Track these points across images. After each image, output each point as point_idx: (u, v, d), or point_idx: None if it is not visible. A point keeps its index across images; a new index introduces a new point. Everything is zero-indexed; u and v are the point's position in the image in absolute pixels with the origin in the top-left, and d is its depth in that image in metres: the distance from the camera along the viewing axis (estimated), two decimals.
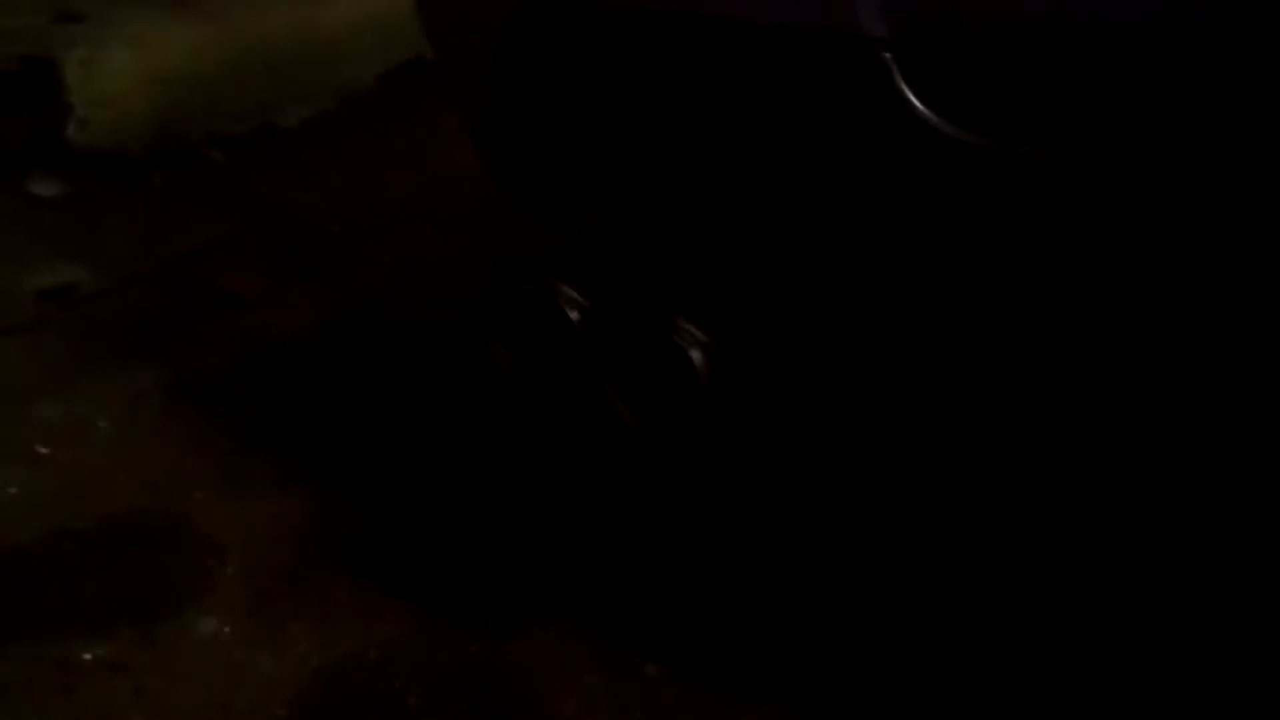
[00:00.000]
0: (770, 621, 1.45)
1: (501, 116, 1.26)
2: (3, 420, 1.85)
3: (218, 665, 1.40)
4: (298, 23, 3.41)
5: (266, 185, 2.83)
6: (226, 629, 1.45)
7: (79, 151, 2.77)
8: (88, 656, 1.40)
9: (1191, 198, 0.84)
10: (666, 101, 1.12)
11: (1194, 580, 1.10)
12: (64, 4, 3.08)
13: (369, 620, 1.46)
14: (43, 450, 1.78)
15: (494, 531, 1.62)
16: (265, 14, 3.36)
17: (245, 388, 1.95)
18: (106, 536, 1.61)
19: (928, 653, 1.39)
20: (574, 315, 1.19)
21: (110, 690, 1.36)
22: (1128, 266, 0.89)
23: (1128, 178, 0.85)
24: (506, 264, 1.86)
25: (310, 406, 1.90)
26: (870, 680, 1.37)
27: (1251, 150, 0.82)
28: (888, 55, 0.92)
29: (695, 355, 1.13)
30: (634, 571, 1.54)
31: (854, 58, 0.95)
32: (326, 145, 3.15)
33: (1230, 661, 1.15)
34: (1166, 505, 1.00)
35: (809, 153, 1.02)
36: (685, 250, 1.15)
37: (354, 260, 2.40)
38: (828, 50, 0.98)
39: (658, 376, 1.16)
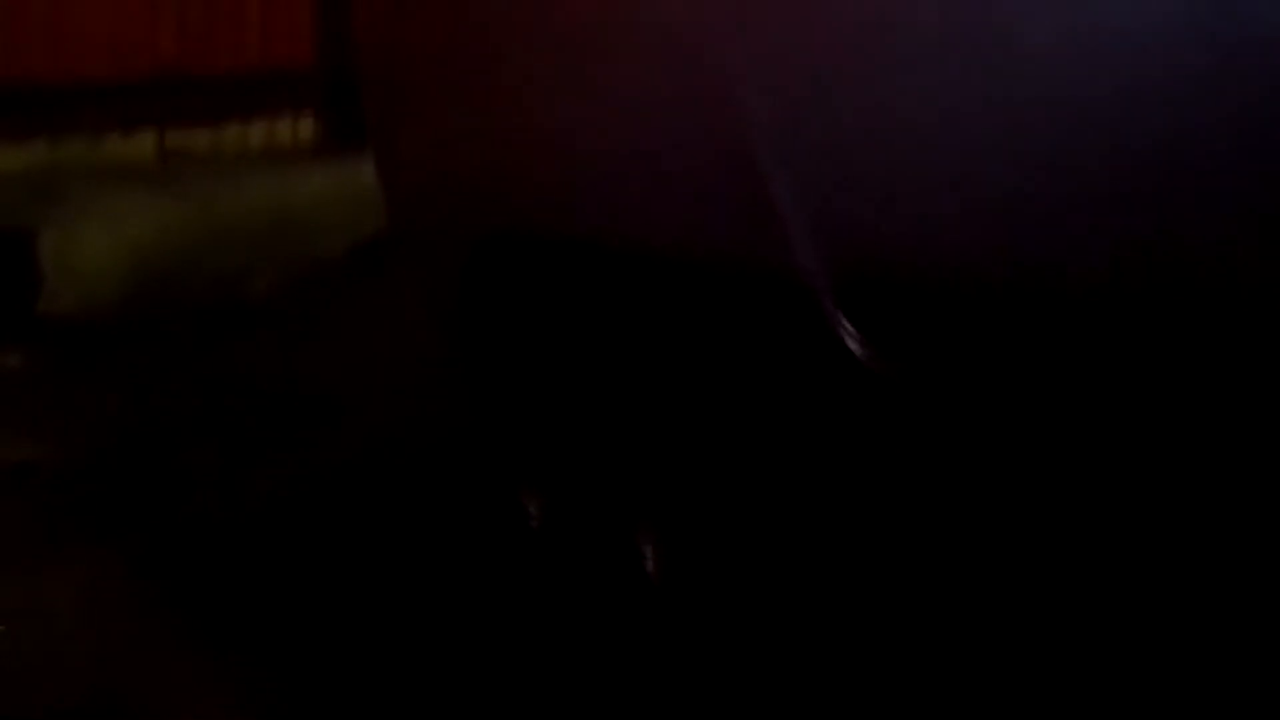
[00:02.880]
0: None
1: (468, 331, 1.36)
2: None
3: None
4: (271, 196, 3.55)
5: (233, 357, 2.89)
6: None
7: (48, 323, 2.83)
8: None
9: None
10: (616, 326, 1.22)
11: None
12: (43, 180, 3.19)
13: None
14: (1, 630, 1.78)
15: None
16: (240, 188, 3.50)
17: (204, 570, 1.97)
18: None
19: None
20: (533, 512, 1.25)
21: None
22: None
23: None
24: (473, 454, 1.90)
25: (270, 590, 1.92)
26: None
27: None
28: (822, 288, 1.02)
29: (649, 557, 1.20)
30: None
31: (789, 291, 1.04)
32: (294, 316, 3.23)
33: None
34: None
35: (745, 378, 1.11)
36: (640, 462, 1.23)
37: (317, 436, 2.45)
38: (763, 282, 1.08)
39: (612, 573, 1.23)
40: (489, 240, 1.28)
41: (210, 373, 2.74)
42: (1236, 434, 0.91)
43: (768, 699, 1.27)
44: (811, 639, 1.28)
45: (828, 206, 1.03)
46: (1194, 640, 1.08)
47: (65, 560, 1.96)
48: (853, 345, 1.02)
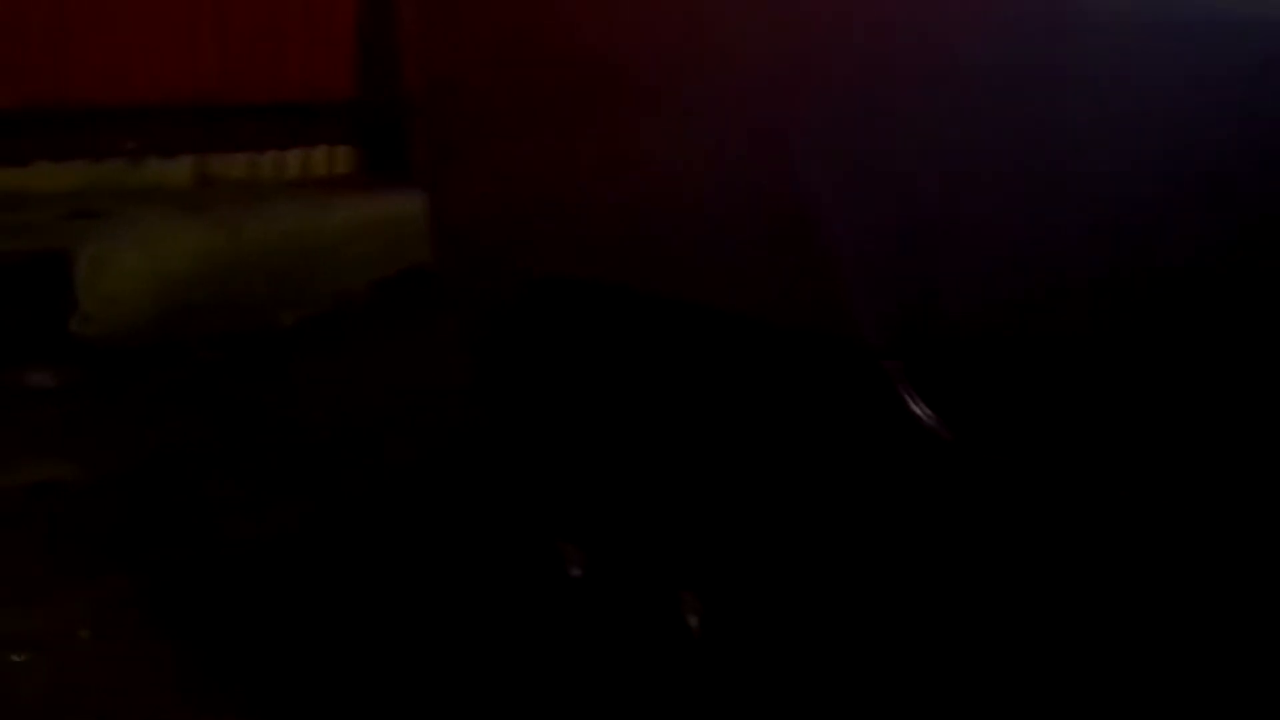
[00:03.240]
0: None
1: (510, 372, 1.34)
2: None
3: None
4: (301, 229, 3.56)
5: (258, 387, 2.89)
6: None
7: (80, 345, 2.83)
8: None
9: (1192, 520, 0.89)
10: (663, 383, 1.19)
11: None
12: (85, 201, 3.21)
13: None
14: (18, 659, 1.76)
15: None
16: (271, 219, 3.50)
17: (225, 598, 1.95)
18: None
19: None
20: (575, 572, 1.23)
21: None
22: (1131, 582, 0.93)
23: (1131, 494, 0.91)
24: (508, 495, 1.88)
25: (289, 619, 1.90)
26: None
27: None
28: (892, 364, 1.00)
29: (693, 621, 1.17)
30: None
31: (852, 355, 1.02)
32: (319, 349, 3.23)
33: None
34: None
35: (808, 447, 1.08)
36: (685, 520, 1.20)
37: (339, 468, 2.43)
38: (830, 354, 1.06)
39: (653, 625, 1.20)
40: (537, 283, 1.27)
41: (237, 400, 2.73)
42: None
43: None
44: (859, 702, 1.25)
45: (893, 275, 1.01)
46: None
47: (83, 585, 1.94)
48: (918, 411, 1.00)
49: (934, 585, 1.04)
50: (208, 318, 3.13)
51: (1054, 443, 0.96)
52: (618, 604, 1.19)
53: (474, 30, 1.55)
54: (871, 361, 1.01)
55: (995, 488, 0.98)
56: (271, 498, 2.28)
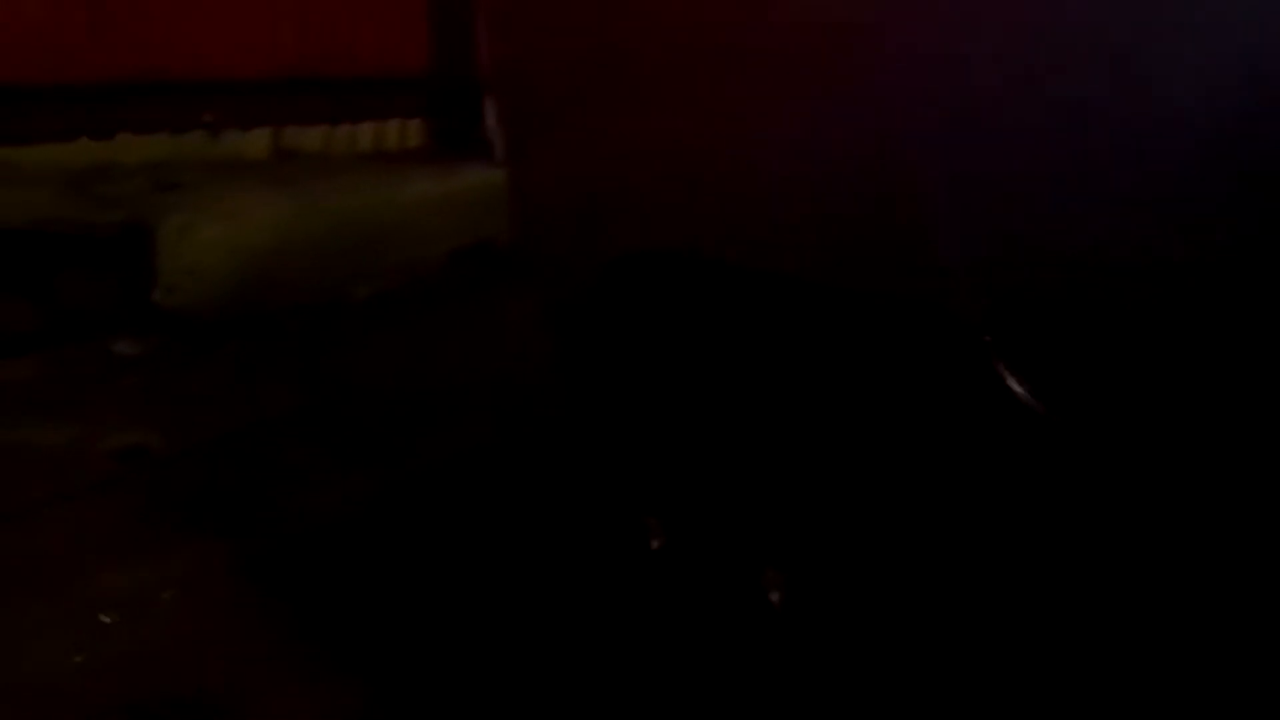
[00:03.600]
0: None
1: (591, 357, 1.33)
2: (69, 585, 1.88)
3: None
4: (377, 202, 3.59)
5: (336, 358, 2.92)
6: None
7: (163, 315, 2.89)
8: None
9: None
10: (755, 357, 1.18)
11: None
12: (167, 173, 3.26)
13: None
14: (107, 620, 1.81)
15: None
16: (348, 192, 3.54)
17: (307, 565, 1.98)
18: (170, 716, 1.61)
19: None
20: (654, 544, 1.22)
21: None
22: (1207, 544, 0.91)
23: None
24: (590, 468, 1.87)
25: (371, 587, 1.93)
26: None
27: None
28: (987, 339, 0.98)
29: (775, 596, 1.16)
30: None
31: (952, 335, 1.00)
32: (395, 321, 3.26)
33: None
34: None
35: (898, 421, 1.07)
36: (772, 497, 1.19)
37: (418, 439, 2.46)
38: (923, 324, 1.04)
39: (734, 608, 1.19)
40: (622, 256, 1.26)
41: (319, 372, 2.77)
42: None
43: None
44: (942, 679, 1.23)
45: (989, 246, 0.99)
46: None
47: (170, 551, 1.98)
48: (1012, 383, 0.98)
49: (1025, 560, 1.02)
50: (285, 290, 3.18)
51: (1138, 415, 0.94)
52: (700, 578, 1.18)
53: (553, 0, 1.54)
54: (967, 333, 0.99)
55: (1088, 462, 0.96)
56: (354, 468, 2.31)
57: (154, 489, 2.20)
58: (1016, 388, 0.98)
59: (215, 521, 2.09)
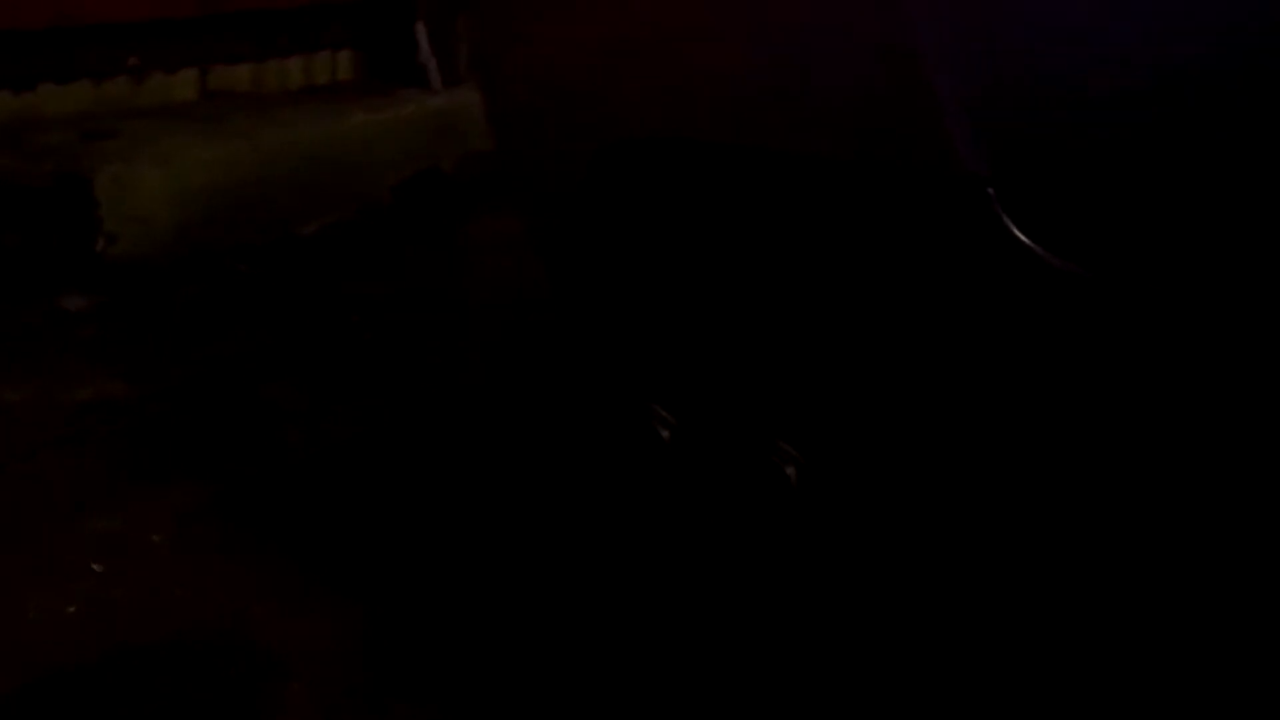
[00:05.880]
0: None
1: (584, 251, 1.31)
2: (56, 537, 1.84)
3: None
4: (315, 135, 3.50)
5: (292, 295, 2.87)
6: None
7: (108, 266, 2.81)
8: None
9: None
10: (756, 234, 1.17)
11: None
12: (95, 121, 3.15)
13: None
14: (97, 568, 1.78)
15: (562, 643, 1.62)
16: (284, 126, 3.45)
17: (292, 498, 1.96)
18: (170, 655, 1.60)
19: None
20: (665, 433, 1.22)
21: None
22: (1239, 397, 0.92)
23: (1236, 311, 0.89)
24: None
25: (360, 516, 1.92)
26: None
27: None
28: (990, 190, 0.98)
29: (790, 470, 1.17)
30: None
31: (955, 192, 1.00)
32: (346, 254, 3.20)
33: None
34: None
35: (905, 285, 1.07)
36: (777, 374, 1.19)
37: (387, 369, 2.43)
38: (927, 185, 1.04)
39: (749, 487, 1.20)
40: (610, 145, 1.24)
41: (279, 309, 2.72)
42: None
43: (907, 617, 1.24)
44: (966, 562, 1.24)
45: (991, 103, 0.99)
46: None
47: (157, 495, 1.95)
48: (1023, 238, 0.98)
49: (1045, 427, 1.03)
50: (230, 230, 3.10)
51: (1149, 265, 0.95)
52: (714, 456, 1.19)
53: None
54: (969, 187, 0.99)
55: (1106, 315, 0.97)
56: (334, 401, 2.28)
57: (128, 436, 2.16)
58: (1024, 239, 0.98)
59: (196, 463, 2.06)
